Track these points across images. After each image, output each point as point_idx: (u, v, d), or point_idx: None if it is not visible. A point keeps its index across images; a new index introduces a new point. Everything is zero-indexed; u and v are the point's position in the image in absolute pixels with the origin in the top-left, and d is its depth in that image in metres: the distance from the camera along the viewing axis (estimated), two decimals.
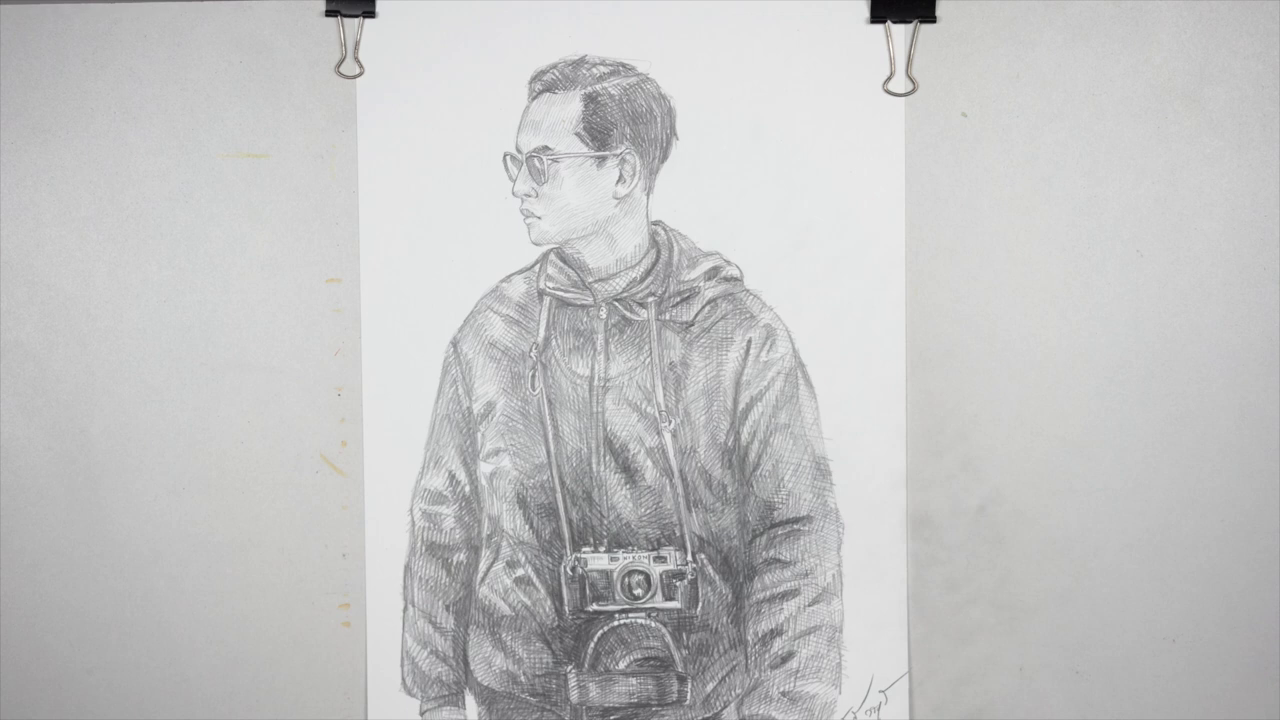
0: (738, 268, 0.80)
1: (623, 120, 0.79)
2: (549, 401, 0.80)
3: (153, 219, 0.79)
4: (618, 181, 0.79)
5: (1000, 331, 0.78)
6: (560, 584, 0.80)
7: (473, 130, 0.79)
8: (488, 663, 0.81)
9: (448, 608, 0.81)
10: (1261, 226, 0.79)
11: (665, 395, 0.80)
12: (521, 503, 0.80)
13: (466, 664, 0.81)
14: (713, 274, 0.80)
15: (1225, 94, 0.79)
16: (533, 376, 0.80)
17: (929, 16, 0.78)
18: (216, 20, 0.78)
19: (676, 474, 0.80)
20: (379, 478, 0.80)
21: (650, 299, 0.80)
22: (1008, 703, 0.80)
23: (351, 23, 0.79)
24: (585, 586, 0.80)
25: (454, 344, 0.80)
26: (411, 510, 0.80)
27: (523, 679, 0.81)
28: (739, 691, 0.80)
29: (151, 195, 0.79)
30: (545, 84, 0.79)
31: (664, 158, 0.79)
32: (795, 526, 0.80)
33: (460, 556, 0.81)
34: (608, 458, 0.80)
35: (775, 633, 0.80)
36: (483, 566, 0.81)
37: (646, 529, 0.80)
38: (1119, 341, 0.79)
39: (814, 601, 0.80)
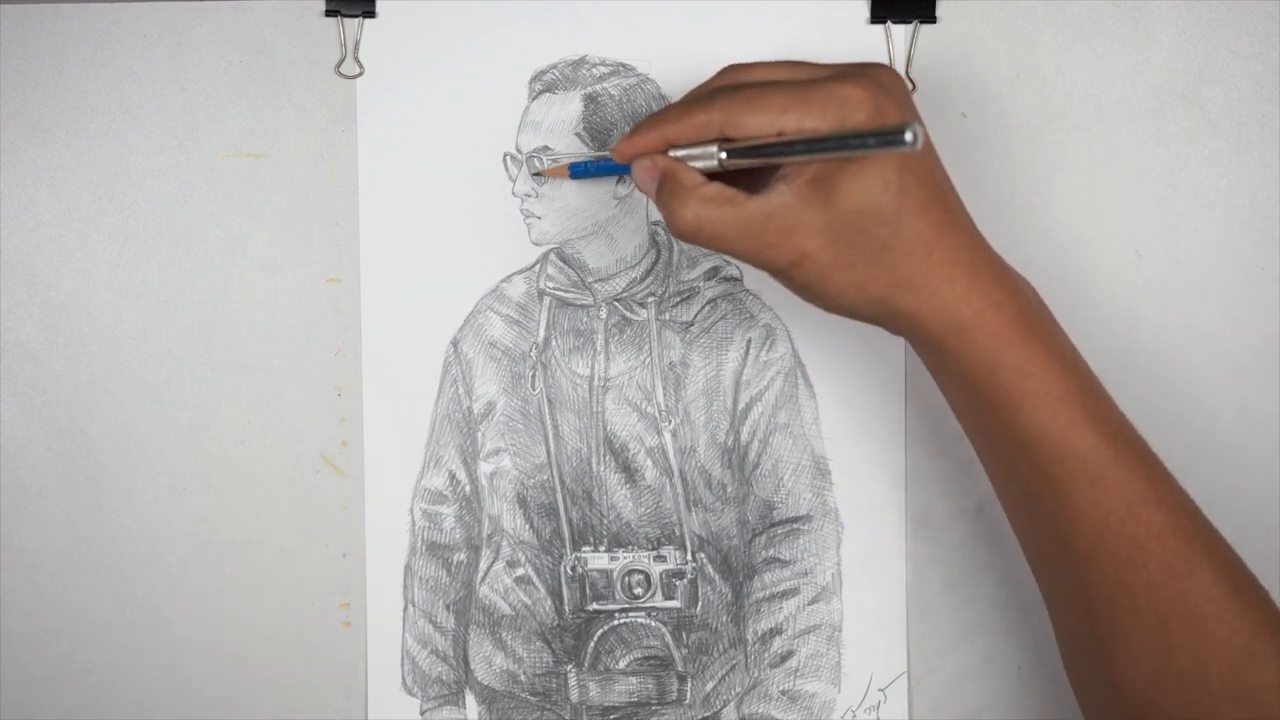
0: (737, 268, 0.80)
1: (623, 120, 0.79)
2: (549, 401, 0.80)
3: (153, 219, 0.79)
4: (618, 182, 0.79)
5: None
6: (560, 583, 0.80)
7: (473, 130, 0.79)
8: (488, 662, 0.81)
9: (448, 607, 0.81)
10: (1261, 227, 0.79)
11: (665, 395, 0.80)
12: (522, 502, 0.80)
13: (467, 663, 0.81)
14: (712, 274, 0.80)
15: (1225, 95, 0.79)
16: (533, 376, 0.80)
17: (929, 17, 0.79)
18: (216, 20, 0.78)
19: (676, 474, 0.80)
20: (379, 478, 0.80)
21: (650, 299, 0.80)
22: (1007, 702, 0.81)
23: (351, 23, 0.79)
24: (585, 586, 0.80)
25: (454, 344, 0.80)
26: (412, 510, 0.80)
27: (523, 678, 0.81)
28: (738, 690, 0.81)
29: (151, 195, 0.79)
30: (545, 84, 0.79)
31: None
32: (795, 526, 0.80)
33: (460, 556, 0.81)
34: (608, 457, 0.80)
35: (775, 631, 0.80)
36: (483, 566, 0.81)
37: (646, 528, 0.80)
38: (1117, 342, 0.79)
39: (813, 600, 0.80)
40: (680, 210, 0.64)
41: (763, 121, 0.62)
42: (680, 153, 0.65)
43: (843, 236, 0.62)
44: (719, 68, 0.67)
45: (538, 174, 0.78)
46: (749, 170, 0.65)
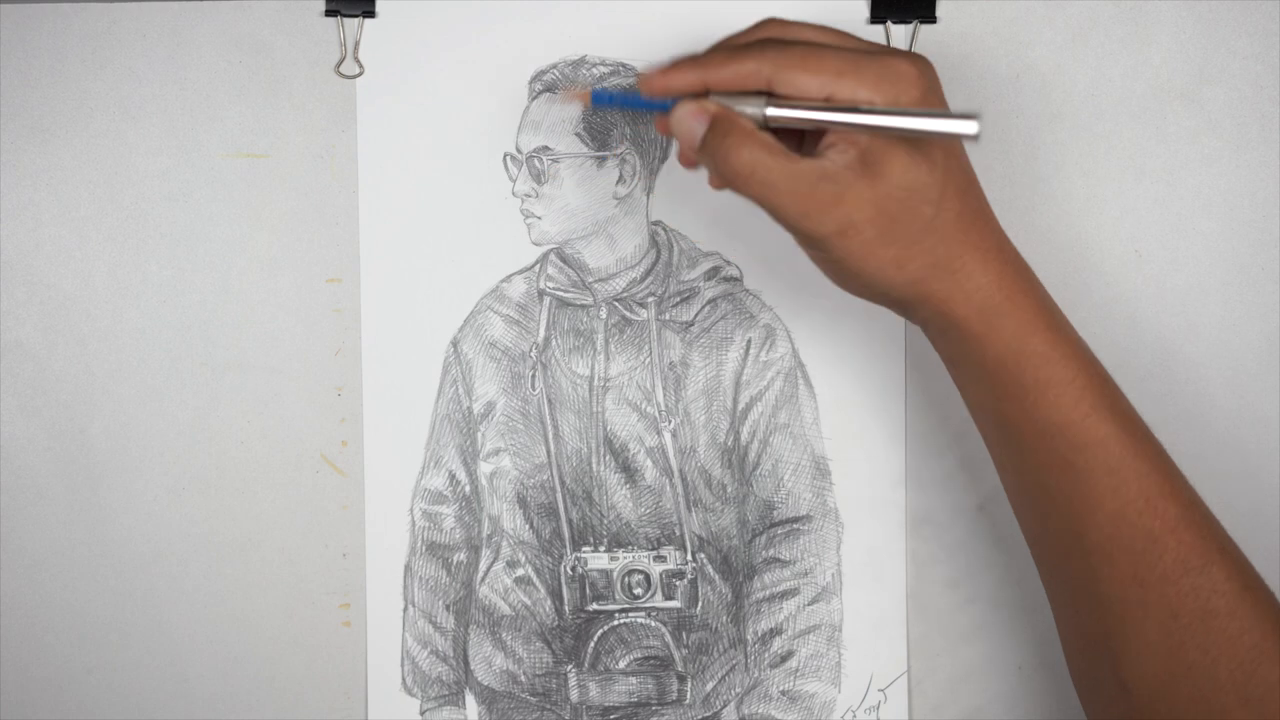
0: (737, 268, 0.80)
1: (623, 120, 0.79)
2: (549, 401, 0.80)
3: (153, 219, 0.79)
4: (618, 182, 0.79)
5: None
6: (560, 583, 0.80)
7: (473, 130, 0.79)
8: (488, 662, 0.81)
9: (448, 607, 0.81)
10: (1260, 227, 0.79)
11: (665, 395, 0.80)
12: (522, 502, 0.80)
13: (467, 663, 0.81)
14: (712, 274, 0.80)
15: (1224, 94, 0.79)
16: (533, 376, 0.80)
17: (929, 17, 0.79)
18: (216, 20, 0.78)
19: (676, 474, 0.80)
20: (379, 478, 0.80)
21: (650, 299, 0.80)
22: (1007, 702, 0.81)
23: (351, 23, 0.79)
24: (585, 586, 0.80)
25: (454, 344, 0.80)
26: (412, 510, 0.80)
27: (523, 678, 0.81)
28: (738, 690, 0.81)
29: (151, 195, 0.79)
30: (545, 84, 0.79)
31: (664, 158, 0.79)
32: (795, 526, 0.80)
33: (460, 556, 0.81)
34: (608, 457, 0.80)
35: (775, 632, 0.80)
36: (483, 566, 0.81)
37: (646, 528, 0.80)
38: (1116, 341, 0.79)
39: (813, 600, 0.80)
40: (737, 150, 0.61)
41: (814, 83, 0.61)
42: (718, 100, 0.62)
43: (889, 213, 0.62)
44: None
45: (552, 90, 0.77)
46: (780, 133, 0.63)
